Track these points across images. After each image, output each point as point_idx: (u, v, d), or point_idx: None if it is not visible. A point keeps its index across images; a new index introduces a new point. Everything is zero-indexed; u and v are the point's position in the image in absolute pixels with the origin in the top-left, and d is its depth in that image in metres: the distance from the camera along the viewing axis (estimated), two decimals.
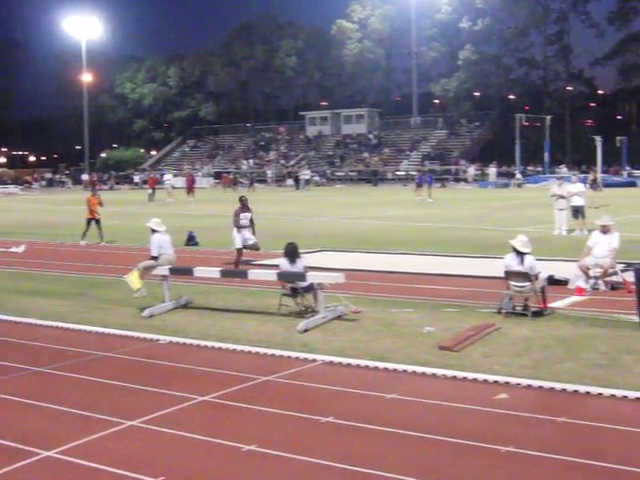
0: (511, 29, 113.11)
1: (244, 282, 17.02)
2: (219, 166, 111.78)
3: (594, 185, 38.65)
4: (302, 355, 11.76)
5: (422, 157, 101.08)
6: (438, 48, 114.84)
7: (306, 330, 13.29)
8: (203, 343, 12.83)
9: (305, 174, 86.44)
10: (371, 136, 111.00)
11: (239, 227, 20.33)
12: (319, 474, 7.43)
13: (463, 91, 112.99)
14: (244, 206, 20.19)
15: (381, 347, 12.10)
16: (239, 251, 20.46)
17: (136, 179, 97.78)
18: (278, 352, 12.02)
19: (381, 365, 11.09)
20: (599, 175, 71.80)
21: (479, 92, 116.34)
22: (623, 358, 11.03)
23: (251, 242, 20.63)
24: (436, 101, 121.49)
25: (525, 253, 14.16)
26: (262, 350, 12.21)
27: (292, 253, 14.84)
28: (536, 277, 14.02)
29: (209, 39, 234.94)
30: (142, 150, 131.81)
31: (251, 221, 20.43)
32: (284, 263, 14.95)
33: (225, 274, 16.59)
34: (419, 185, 56.64)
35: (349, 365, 11.24)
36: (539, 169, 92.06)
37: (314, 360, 11.53)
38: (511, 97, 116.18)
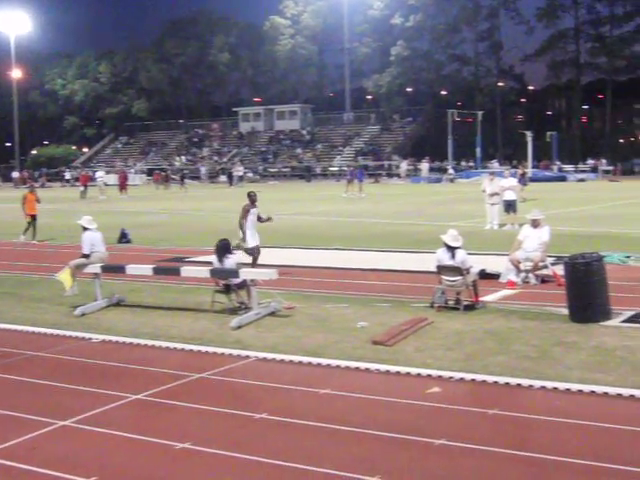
0: (442, 25, 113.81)
1: (177, 279, 16.92)
2: (152, 163, 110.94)
3: (522, 180, 39.24)
4: (235, 352, 11.73)
5: (355, 153, 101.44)
6: (370, 44, 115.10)
7: (239, 327, 13.25)
8: (136, 341, 12.74)
9: (238, 170, 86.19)
10: (304, 132, 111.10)
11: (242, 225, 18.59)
12: (253, 471, 7.41)
13: (395, 87, 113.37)
14: (253, 202, 18.69)
15: (314, 343, 12.12)
16: (255, 249, 18.44)
17: (67, 176, 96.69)
18: (211, 349, 12.00)
19: (314, 361, 11.10)
20: (529, 170, 72.77)
21: (411, 88, 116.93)
22: (553, 350, 11.18)
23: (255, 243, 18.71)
24: (369, 97, 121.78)
25: (456, 247, 14.28)
26: (195, 347, 12.17)
27: (222, 250, 14.78)
28: (468, 271, 14.14)
29: (141, 35, 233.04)
30: (74, 147, 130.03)
31: (258, 218, 18.83)
32: (215, 260, 14.89)
33: (158, 271, 16.48)
34: (350, 181, 56.93)
35: (282, 361, 11.24)
36: (471, 164, 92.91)
37: (247, 357, 11.50)
38: (443, 93, 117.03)
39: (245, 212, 18.33)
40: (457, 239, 14.40)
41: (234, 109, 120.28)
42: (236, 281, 14.27)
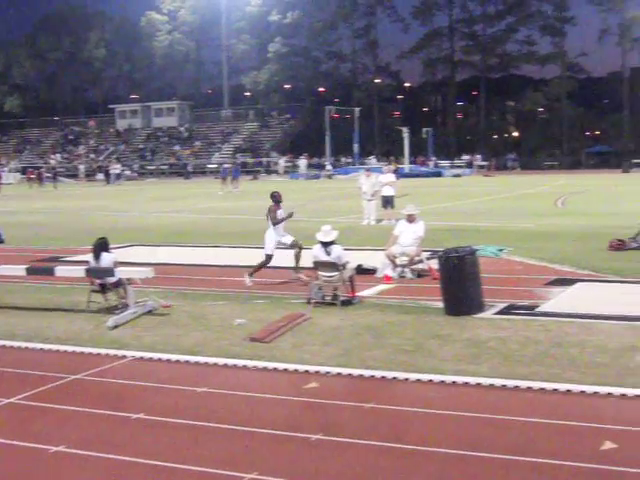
0: (320, 22, 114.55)
1: (52, 279, 16.58)
2: (26, 161, 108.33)
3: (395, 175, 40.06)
4: (112, 352, 11.56)
5: (234, 149, 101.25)
6: (248, 41, 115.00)
7: (116, 326, 13.07)
8: (9, 343, 12.43)
9: (116, 168, 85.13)
10: (182, 129, 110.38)
11: (276, 224, 17.56)
12: (129, 472, 7.32)
13: (273, 83, 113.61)
14: (278, 202, 17.49)
15: (192, 341, 12.04)
16: (269, 257, 17.24)
17: None
18: (87, 350, 11.79)
19: (192, 359, 11.04)
20: (407, 165, 73.90)
21: (289, 84, 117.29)
22: (428, 343, 11.36)
23: (289, 241, 17.63)
24: (247, 94, 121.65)
25: (330, 243, 14.37)
26: (71, 348, 11.95)
27: (99, 248, 14.54)
28: (344, 267, 14.26)
29: (14, 30, 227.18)
30: None
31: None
32: (92, 259, 14.64)
33: (31, 272, 16.10)
34: (224, 178, 56.87)
35: (160, 360, 11.14)
36: (349, 160, 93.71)
37: (124, 356, 11.35)
38: (321, 89, 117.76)
39: (273, 213, 17.35)
40: (329, 234, 14.49)
41: (110, 106, 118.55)
42: (112, 280, 14.07)
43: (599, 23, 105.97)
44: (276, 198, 17.48)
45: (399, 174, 47.93)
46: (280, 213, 17.23)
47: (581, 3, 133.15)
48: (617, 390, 9.01)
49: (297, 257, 16.82)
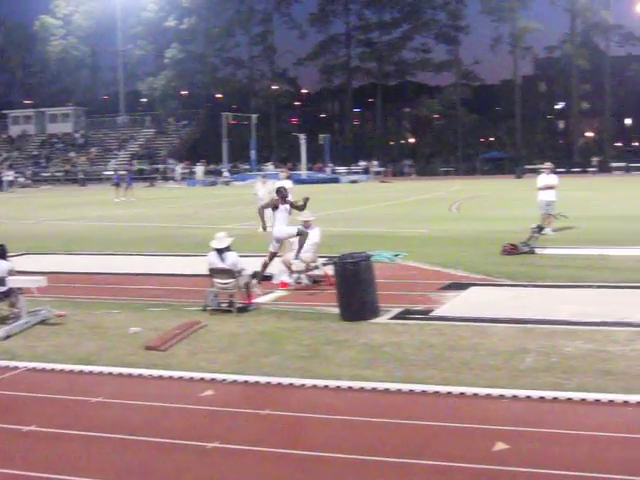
0: (217, 28, 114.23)
1: None
2: None
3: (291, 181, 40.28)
4: (3, 363, 11.30)
5: (130, 156, 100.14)
6: (145, 46, 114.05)
7: (8, 337, 12.78)
8: None
9: (8, 175, 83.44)
10: (77, 135, 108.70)
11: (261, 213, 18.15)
12: None
13: (170, 90, 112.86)
14: (283, 198, 17.32)
15: (86, 350, 11.85)
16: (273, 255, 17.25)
17: None
18: None
19: (86, 369, 10.86)
20: (304, 171, 74.14)
21: (186, 91, 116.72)
22: (324, 349, 11.40)
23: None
24: (143, 100, 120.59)
25: (225, 250, 14.32)
26: None
27: None
28: (240, 273, 14.23)
29: None
30: None
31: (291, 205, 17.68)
32: None
33: None
34: (117, 185, 56.21)
35: (53, 370, 10.93)
36: (246, 167, 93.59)
37: (16, 367, 11.10)
38: (218, 96, 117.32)
39: (272, 205, 17.45)
40: (223, 240, 14.43)
41: (3, 112, 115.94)
42: (2, 289, 13.75)
43: (492, 32, 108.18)
44: (281, 194, 17.50)
45: (294, 180, 48.12)
46: (282, 209, 17.18)
47: (475, 12, 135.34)
48: (509, 392, 9.17)
49: (300, 243, 16.79)
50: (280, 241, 17.20)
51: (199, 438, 8.04)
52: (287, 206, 17.20)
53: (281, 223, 17.05)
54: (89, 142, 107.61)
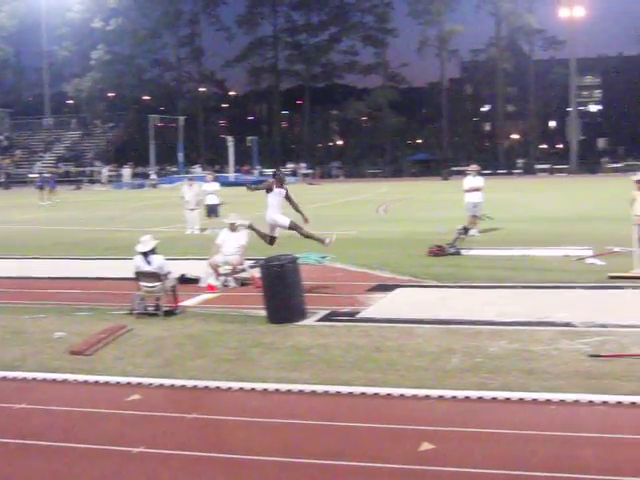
0: (144, 30, 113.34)
1: None
2: None
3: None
4: None
5: (56, 159, 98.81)
6: (70, 47, 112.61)
7: None
8: None
9: None
10: (1, 137, 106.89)
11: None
12: None
13: (97, 91, 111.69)
14: (280, 182, 16.29)
15: (10, 356, 11.66)
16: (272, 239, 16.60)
17: None
18: None
19: (10, 375, 10.69)
20: (232, 174, 73.98)
21: (113, 92, 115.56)
22: (251, 351, 11.39)
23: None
24: (69, 101, 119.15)
25: (150, 253, 14.22)
26: None
27: None
28: (166, 276, 14.14)
29: None
30: None
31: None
32: None
33: None
34: (41, 188, 55.39)
35: None
36: (174, 169, 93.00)
37: None
38: (146, 98, 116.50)
39: (266, 187, 16.33)
40: (147, 243, 14.33)
41: None
42: None
43: (419, 35, 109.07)
44: (279, 178, 16.51)
45: (221, 182, 48.00)
46: (278, 192, 16.18)
47: (402, 15, 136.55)
48: (435, 392, 9.26)
49: (306, 235, 16.52)
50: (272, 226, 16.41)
51: (125, 443, 7.97)
52: (283, 190, 16.21)
53: (274, 209, 16.23)
54: (14, 144, 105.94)
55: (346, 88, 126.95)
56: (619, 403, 8.80)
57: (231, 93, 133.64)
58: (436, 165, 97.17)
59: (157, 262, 14.16)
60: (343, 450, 7.67)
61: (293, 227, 16.17)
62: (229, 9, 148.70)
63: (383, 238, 25.18)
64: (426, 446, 7.67)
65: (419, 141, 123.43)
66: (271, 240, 16.43)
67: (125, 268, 16.72)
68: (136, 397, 9.55)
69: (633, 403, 8.78)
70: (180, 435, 8.27)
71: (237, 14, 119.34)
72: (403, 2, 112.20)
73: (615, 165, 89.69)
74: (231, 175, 79.50)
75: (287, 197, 16.29)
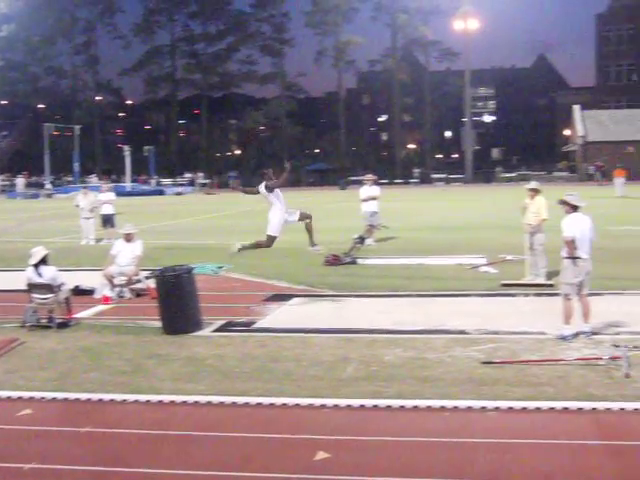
0: (38, 37, 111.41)
1: None
2: None
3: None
4: None
5: None
6: None
7: None
8: None
9: None
10: None
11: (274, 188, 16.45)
12: None
13: None
14: (267, 178, 16.02)
15: None
16: (272, 239, 16.61)
17: None
18: None
19: None
20: (129, 183, 73.21)
21: (6, 101, 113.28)
22: (146, 363, 11.29)
23: (297, 216, 16.95)
24: None
25: (41, 264, 13.97)
26: None
27: None
28: (59, 288, 13.91)
29: None
30: None
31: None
32: None
33: None
34: None
35: None
36: (70, 179, 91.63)
37: None
38: (41, 106, 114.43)
39: (270, 180, 16.08)
40: (37, 254, 14.08)
41: None
42: None
43: (316, 45, 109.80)
44: (266, 175, 16.32)
45: (118, 192, 47.52)
46: (276, 192, 16.12)
47: (300, 26, 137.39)
48: (330, 401, 9.31)
49: (309, 229, 16.50)
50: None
51: (16, 459, 7.83)
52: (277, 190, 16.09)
53: (275, 209, 16.20)
54: None
55: (244, 98, 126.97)
56: (510, 408, 8.99)
57: (128, 102, 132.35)
58: (334, 175, 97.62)
59: (49, 273, 13.92)
60: (239, 461, 7.67)
61: (304, 217, 16.43)
62: (126, 17, 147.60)
63: (280, 248, 24.93)
64: (321, 455, 7.71)
65: (317, 151, 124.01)
66: (270, 240, 16.38)
67: (18, 280, 16.41)
68: (28, 412, 9.38)
69: (524, 408, 8.97)
70: (73, 450, 8.17)
71: (134, 22, 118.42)
72: (300, 13, 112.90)
73: (509, 174, 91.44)
74: (128, 185, 78.69)
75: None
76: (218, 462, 7.67)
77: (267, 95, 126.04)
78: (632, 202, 45.85)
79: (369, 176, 27.08)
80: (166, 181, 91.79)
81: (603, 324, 12.68)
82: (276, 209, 16.49)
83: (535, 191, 17.17)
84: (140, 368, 11.05)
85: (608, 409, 8.91)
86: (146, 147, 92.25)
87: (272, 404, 9.33)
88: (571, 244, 11.96)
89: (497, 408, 9.00)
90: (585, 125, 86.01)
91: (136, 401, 9.63)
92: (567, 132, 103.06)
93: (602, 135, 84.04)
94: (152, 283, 15.36)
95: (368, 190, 25.92)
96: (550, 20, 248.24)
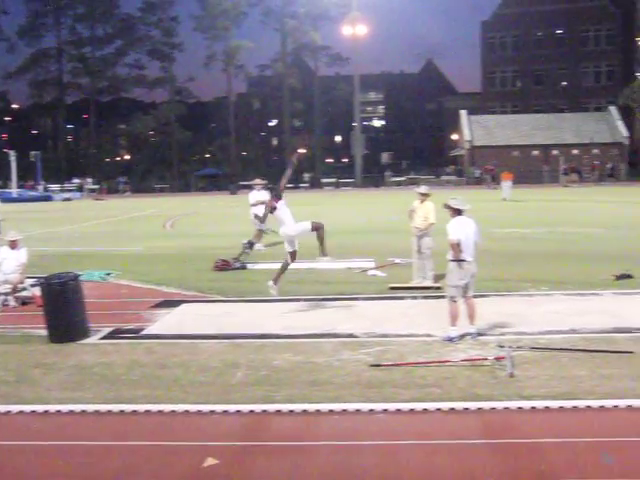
0: None
1: None
2: None
3: None
4: None
5: None
6: None
7: None
8: None
9: None
10: None
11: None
12: None
13: None
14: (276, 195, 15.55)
15: None
16: (293, 254, 15.78)
17: None
18: None
19: None
20: (14, 189, 71.80)
21: None
22: (32, 372, 11.08)
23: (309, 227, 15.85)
24: None
25: None
26: None
27: None
28: None
29: None
30: None
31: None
32: None
33: None
34: None
35: None
36: None
37: None
38: None
39: (271, 209, 15.69)
40: None
41: None
42: None
43: (206, 50, 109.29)
44: (275, 192, 15.76)
45: (3, 198, 46.59)
46: (282, 204, 15.56)
47: (189, 30, 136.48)
48: (220, 407, 9.30)
49: (320, 239, 15.71)
50: (292, 240, 15.80)
51: None
52: (282, 201, 15.61)
53: (287, 222, 15.58)
54: None
55: (133, 102, 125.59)
56: (398, 410, 9.10)
57: (13, 106, 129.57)
58: (224, 180, 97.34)
59: None
60: (128, 469, 7.62)
61: (316, 227, 15.66)
62: (9, 19, 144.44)
63: (169, 254, 25.00)
64: (210, 461, 7.70)
65: (207, 156, 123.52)
66: (293, 255, 15.81)
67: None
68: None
69: (411, 410, 9.10)
70: None
71: (19, 24, 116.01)
72: (189, 17, 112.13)
73: (398, 179, 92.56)
74: (14, 191, 77.01)
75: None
76: (107, 471, 7.59)
77: (157, 99, 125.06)
78: (517, 205, 46.93)
79: (257, 181, 27.08)
80: (54, 187, 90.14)
81: (488, 325, 12.98)
82: (287, 216, 15.64)
83: (425, 195, 17.42)
84: (25, 378, 10.84)
85: (493, 408, 9.12)
86: (32, 152, 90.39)
87: (160, 411, 9.27)
88: (456, 247, 12.18)
89: (385, 410, 9.11)
90: (472, 130, 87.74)
91: (21, 412, 9.45)
92: (455, 137, 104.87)
93: (488, 140, 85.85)
94: (38, 291, 15.08)
95: (257, 195, 25.89)
96: (438, 26, 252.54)
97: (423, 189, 17.74)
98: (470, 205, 12.81)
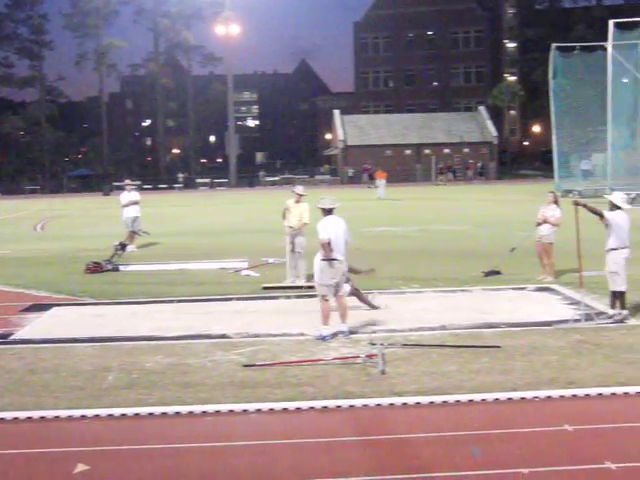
0: None
1: None
2: None
3: None
4: None
5: None
6: None
7: None
8: None
9: None
10: None
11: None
12: None
13: None
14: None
15: None
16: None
17: None
18: None
19: None
20: None
21: None
22: None
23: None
24: None
25: None
26: None
27: None
28: None
29: None
30: None
31: None
32: None
33: None
34: None
35: None
36: None
37: None
38: None
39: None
40: None
41: None
42: None
43: (77, 48, 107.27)
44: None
45: None
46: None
47: (59, 28, 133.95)
48: (91, 412, 9.19)
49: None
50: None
51: None
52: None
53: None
54: None
55: (1, 102, 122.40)
56: (272, 410, 9.16)
57: None
58: (97, 180, 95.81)
59: None
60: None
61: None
62: None
63: (40, 256, 24.52)
64: (81, 467, 7.61)
65: (79, 156, 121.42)
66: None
67: None
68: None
69: (284, 409, 9.18)
70: None
71: None
72: (60, 14, 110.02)
73: (272, 178, 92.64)
74: None
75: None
76: None
77: (26, 99, 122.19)
78: (390, 203, 47.62)
79: (128, 181, 26.92)
80: None
81: (360, 323, 13.17)
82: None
83: (301, 195, 17.58)
84: None
85: (365, 405, 9.26)
86: None
87: (29, 418, 9.10)
88: (327, 246, 12.31)
89: (259, 410, 9.16)
90: (345, 129, 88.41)
91: None
92: (329, 136, 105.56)
93: (362, 139, 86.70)
94: None
95: (128, 196, 25.67)
96: (312, 27, 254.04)
97: (300, 189, 17.89)
98: (339, 203, 12.97)
